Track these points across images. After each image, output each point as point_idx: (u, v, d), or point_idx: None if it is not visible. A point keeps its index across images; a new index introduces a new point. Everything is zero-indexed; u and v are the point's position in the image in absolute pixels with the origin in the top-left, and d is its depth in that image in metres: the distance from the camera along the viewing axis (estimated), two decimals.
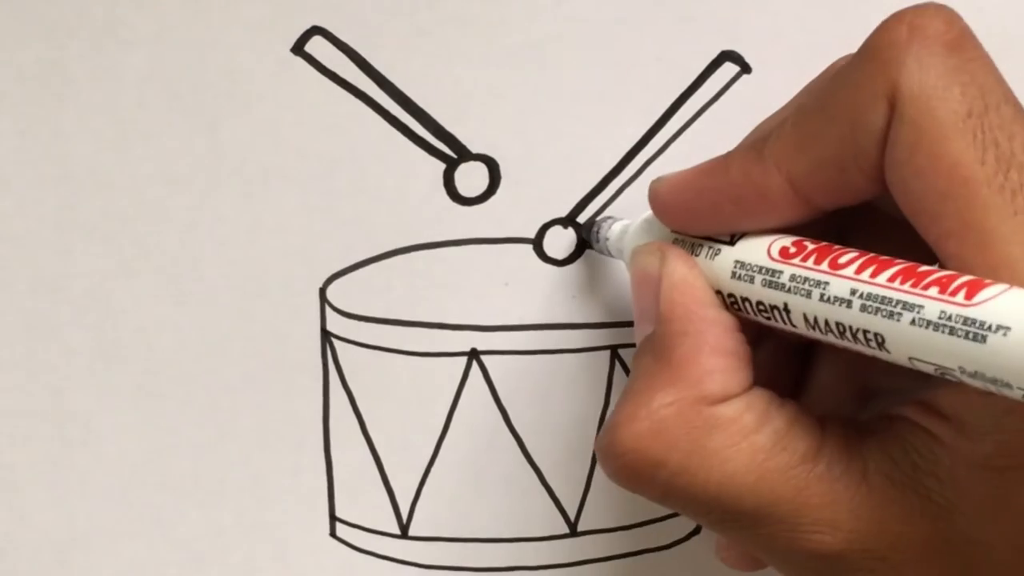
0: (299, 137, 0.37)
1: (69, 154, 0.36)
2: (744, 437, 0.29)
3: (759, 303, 0.30)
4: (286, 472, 0.38)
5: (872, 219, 0.31)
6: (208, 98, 0.36)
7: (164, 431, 0.38)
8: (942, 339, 0.26)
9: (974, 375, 0.25)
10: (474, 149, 0.37)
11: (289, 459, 0.38)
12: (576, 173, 0.37)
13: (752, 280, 0.30)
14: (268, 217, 0.37)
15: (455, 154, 0.37)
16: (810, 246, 0.30)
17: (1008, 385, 0.25)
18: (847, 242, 0.30)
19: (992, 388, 0.25)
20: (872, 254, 0.28)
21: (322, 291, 0.37)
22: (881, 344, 0.27)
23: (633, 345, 0.38)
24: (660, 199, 0.33)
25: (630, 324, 0.38)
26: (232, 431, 0.38)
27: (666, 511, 0.39)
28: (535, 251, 0.38)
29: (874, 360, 0.28)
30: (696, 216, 0.32)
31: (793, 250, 0.30)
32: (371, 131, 0.37)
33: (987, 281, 0.26)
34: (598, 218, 0.37)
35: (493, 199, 0.37)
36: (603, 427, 0.31)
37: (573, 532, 0.39)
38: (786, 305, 0.30)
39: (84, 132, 0.36)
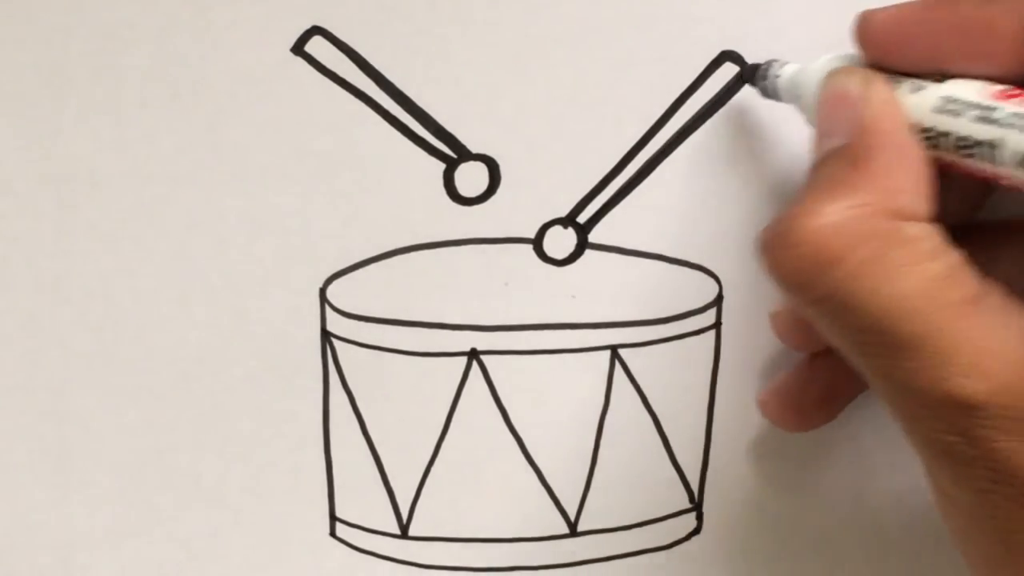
0: (299, 137, 0.37)
1: (69, 154, 0.36)
2: (923, 260, 0.29)
3: (962, 139, 0.30)
4: (286, 472, 0.38)
5: None
6: (208, 98, 0.36)
7: (164, 431, 0.38)
8: None
9: None
10: (474, 149, 0.37)
11: (289, 459, 0.38)
12: (576, 173, 0.37)
13: (960, 115, 0.30)
14: (268, 217, 0.37)
15: (455, 154, 0.37)
16: None
17: None
18: None
19: None
20: None
21: (322, 291, 0.37)
22: None
23: (634, 345, 0.38)
24: (873, 27, 0.32)
25: (630, 324, 0.38)
26: (232, 431, 0.38)
27: (667, 511, 0.39)
28: (535, 251, 0.38)
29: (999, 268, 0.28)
30: (910, 48, 0.31)
31: (1013, 92, 0.29)
32: (371, 131, 0.37)
33: None
34: (764, 61, 0.36)
35: (493, 199, 0.37)
36: (773, 221, 0.30)
37: (573, 532, 0.39)
38: (997, 141, 0.29)
39: (84, 132, 0.36)
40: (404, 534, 0.39)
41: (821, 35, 0.37)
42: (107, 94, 0.36)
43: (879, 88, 0.31)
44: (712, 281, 0.38)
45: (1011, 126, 0.29)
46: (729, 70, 0.37)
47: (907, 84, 0.31)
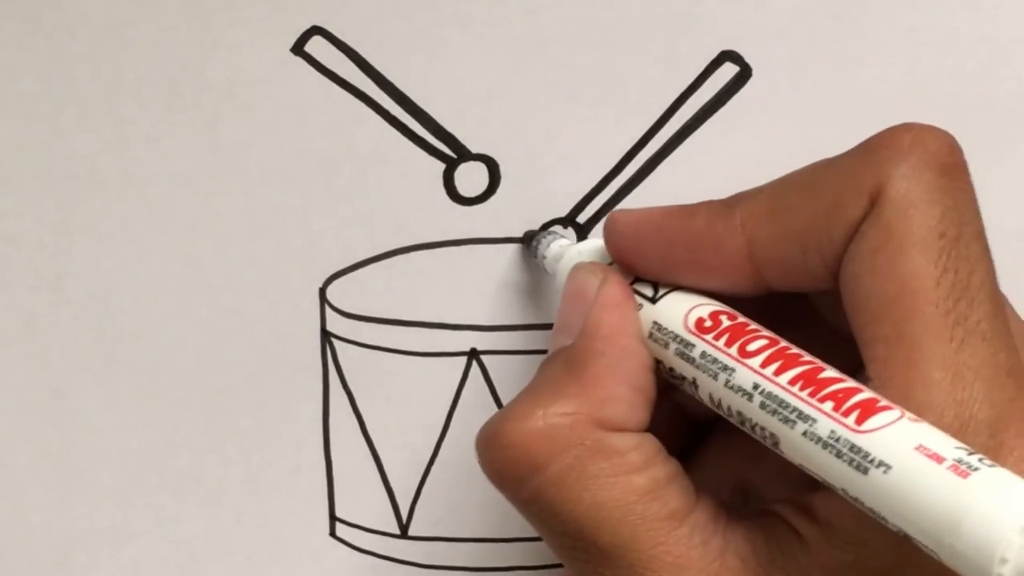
0: (299, 137, 0.37)
1: (69, 154, 0.36)
2: (625, 473, 0.29)
3: (671, 369, 0.30)
4: (286, 472, 0.38)
5: (810, 323, 0.31)
6: (208, 98, 0.36)
7: (164, 431, 0.38)
8: (829, 458, 0.26)
9: (855, 500, 0.26)
10: (474, 149, 0.37)
11: (289, 459, 0.38)
12: (576, 173, 0.37)
13: (667, 346, 0.30)
14: (268, 217, 0.37)
15: (455, 154, 0.37)
16: (725, 322, 0.30)
17: (884, 519, 0.25)
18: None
19: (870, 514, 0.25)
20: (782, 344, 0.29)
21: (322, 291, 0.37)
22: (776, 444, 0.28)
23: None
24: (615, 230, 0.32)
25: None
26: (232, 431, 0.38)
27: None
28: None
29: (762, 463, 0.28)
30: (646, 254, 0.32)
31: (709, 323, 0.30)
32: (371, 131, 0.37)
33: (881, 404, 0.26)
34: (542, 231, 0.37)
35: (493, 199, 0.37)
36: (492, 418, 0.31)
37: None
38: (695, 380, 0.30)
39: (84, 132, 0.36)
40: (404, 534, 0.39)
41: (821, 35, 0.37)
42: (107, 94, 0.36)
43: (611, 291, 0.31)
44: None
45: (703, 369, 0.29)
46: (729, 70, 0.37)
47: (640, 295, 0.32)
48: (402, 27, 0.36)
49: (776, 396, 0.27)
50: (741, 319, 0.30)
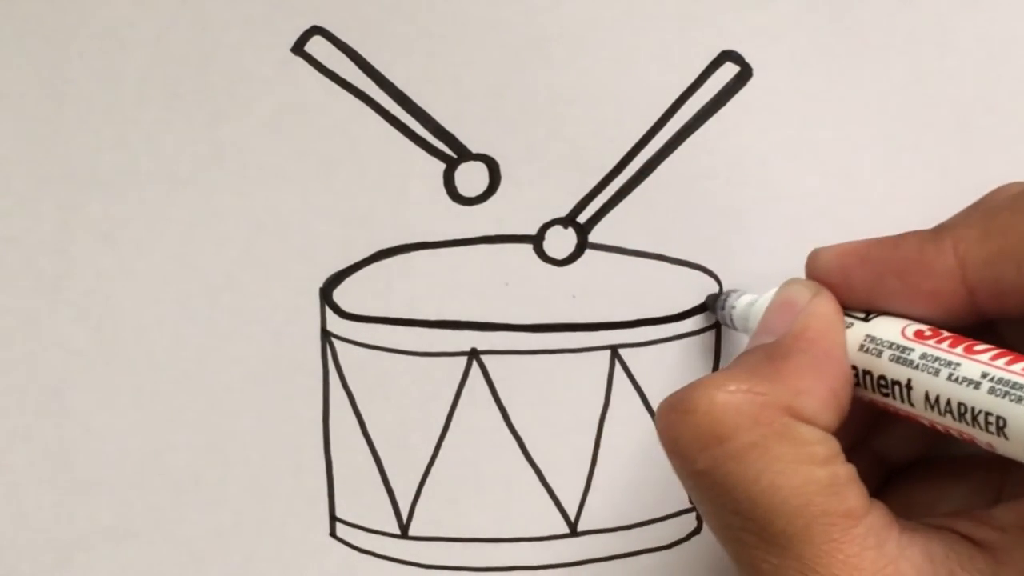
0: (299, 137, 0.37)
1: (69, 154, 0.36)
2: (807, 462, 0.29)
3: (881, 377, 0.31)
4: (286, 472, 0.38)
5: None
6: (208, 98, 0.36)
7: (164, 431, 0.38)
8: None
9: None
10: (474, 149, 0.37)
11: (289, 459, 0.38)
12: (576, 173, 0.37)
13: (880, 354, 0.31)
14: (268, 217, 0.37)
15: (455, 154, 0.37)
16: (945, 333, 0.30)
17: None
18: None
19: None
20: (1008, 349, 0.29)
21: (322, 291, 0.37)
22: (1001, 428, 0.28)
23: (633, 345, 0.38)
24: (822, 263, 0.33)
25: (630, 324, 0.38)
26: (232, 431, 0.38)
27: (667, 511, 0.39)
28: (535, 251, 0.38)
29: (952, 491, 0.29)
30: (853, 286, 0.32)
31: (928, 333, 0.30)
32: (371, 131, 0.37)
33: None
34: (726, 289, 0.37)
35: (493, 199, 0.37)
36: (683, 387, 0.31)
37: (573, 532, 0.39)
38: (910, 382, 0.30)
39: (84, 132, 0.36)
40: (404, 534, 0.39)
41: (821, 35, 0.37)
42: (107, 94, 0.36)
43: (823, 301, 0.32)
44: (712, 281, 0.38)
45: (921, 368, 0.30)
46: (729, 70, 0.37)
47: (852, 316, 0.32)
48: (402, 27, 0.36)
49: (1008, 380, 0.28)
50: (959, 335, 0.30)
